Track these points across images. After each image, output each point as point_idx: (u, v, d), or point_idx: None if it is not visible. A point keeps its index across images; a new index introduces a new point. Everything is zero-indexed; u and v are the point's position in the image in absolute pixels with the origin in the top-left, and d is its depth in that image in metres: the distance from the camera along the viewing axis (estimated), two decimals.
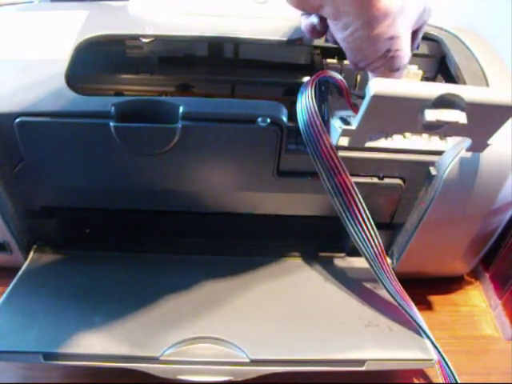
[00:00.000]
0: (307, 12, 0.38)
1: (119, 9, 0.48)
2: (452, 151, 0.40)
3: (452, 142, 0.41)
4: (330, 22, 0.34)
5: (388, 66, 0.35)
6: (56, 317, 0.41)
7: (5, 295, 0.42)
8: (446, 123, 0.34)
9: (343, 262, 0.49)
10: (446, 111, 0.34)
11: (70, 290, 0.44)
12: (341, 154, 0.38)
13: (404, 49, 0.34)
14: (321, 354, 0.39)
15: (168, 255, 0.48)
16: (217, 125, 0.39)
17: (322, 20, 0.37)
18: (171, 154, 0.40)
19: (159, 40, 0.48)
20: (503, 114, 0.34)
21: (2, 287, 0.44)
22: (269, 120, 0.39)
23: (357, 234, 0.39)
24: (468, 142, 0.38)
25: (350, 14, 0.32)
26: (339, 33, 0.34)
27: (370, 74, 0.36)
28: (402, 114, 0.35)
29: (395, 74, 0.36)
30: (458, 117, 0.34)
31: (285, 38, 0.45)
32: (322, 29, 0.37)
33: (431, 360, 0.40)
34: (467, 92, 0.33)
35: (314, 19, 0.37)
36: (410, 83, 0.34)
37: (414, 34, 0.37)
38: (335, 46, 0.38)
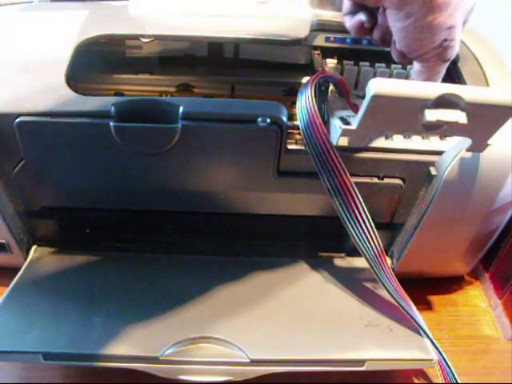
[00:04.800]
0: (352, 11, 0.38)
1: (119, 9, 0.48)
2: (452, 151, 0.40)
3: (452, 141, 0.41)
4: (390, 12, 0.34)
5: (441, 56, 0.35)
6: (56, 317, 0.41)
7: (5, 295, 0.42)
8: (446, 123, 0.34)
9: (343, 262, 0.49)
10: (446, 111, 0.34)
11: (70, 289, 0.44)
12: (341, 153, 0.38)
13: (458, 39, 0.35)
14: (321, 354, 0.39)
15: (168, 255, 0.48)
16: (217, 125, 0.39)
17: (371, 16, 0.38)
18: (171, 154, 0.40)
19: (159, 40, 0.48)
20: (503, 114, 0.34)
21: (2, 287, 0.44)
22: (269, 120, 0.39)
23: (356, 235, 0.39)
24: (468, 142, 0.38)
25: (415, 2, 0.32)
26: (400, 22, 0.34)
27: (418, 65, 0.37)
28: (402, 113, 0.35)
29: (444, 65, 0.36)
30: (458, 117, 0.34)
31: (285, 38, 0.45)
32: (369, 25, 0.38)
33: (431, 360, 0.40)
34: (467, 92, 0.33)
35: (362, 16, 0.38)
36: (410, 83, 0.34)
37: None
38: (369, 48, 0.39)
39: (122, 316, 0.41)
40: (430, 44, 0.34)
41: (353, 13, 0.39)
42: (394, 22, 0.35)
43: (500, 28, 0.56)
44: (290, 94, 0.51)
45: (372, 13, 0.38)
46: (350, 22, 0.39)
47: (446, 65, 0.37)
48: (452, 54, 0.36)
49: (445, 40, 0.34)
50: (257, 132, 0.40)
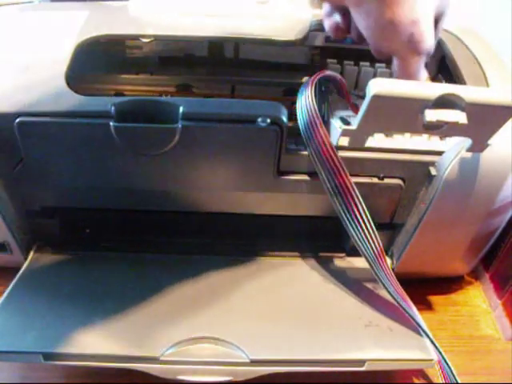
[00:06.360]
0: (329, 13, 0.39)
1: (119, 9, 0.48)
2: (452, 151, 0.40)
3: (452, 141, 0.41)
4: (354, 12, 0.34)
5: (415, 50, 0.35)
6: (56, 317, 0.41)
7: (5, 295, 0.42)
8: (446, 123, 0.34)
9: (343, 261, 0.49)
10: (446, 111, 0.34)
11: (70, 289, 0.44)
12: (341, 154, 0.39)
13: (428, 31, 0.34)
14: (321, 354, 0.39)
15: (168, 255, 0.48)
16: (217, 125, 0.39)
17: (345, 17, 0.38)
18: (171, 154, 0.40)
19: (159, 40, 0.48)
20: (503, 114, 0.34)
21: (2, 287, 0.44)
22: (269, 120, 0.39)
23: (356, 235, 0.39)
24: (468, 142, 0.38)
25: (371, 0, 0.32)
26: (363, 21, 0.34)
27: (396, 61, 0.36)
28: (403, 114, 0.35)
29: (421, 60, 0.35)
30: (458, 117, 0.34)
31: (285, 38, 0.45)
32: (344, 26, 0.38)
33: (431, 360, 0.40)
34: (467, 92, 0.33)
35: (337, 17, 0.38)
36: (410, 83, 0.34)
37: (435, 24, 0.36)
38: (353, 46, 0.39)
39: (121, 316, 0.41)
40: (397, 40, 0.34)
41: (330, 14, 0.39)
42: (358, 21, 0.34)
43: (500, 28, 0.56)
44: (290, 94, 0.51)
45: (346, 14, 0.37)
46: (327, 24, 0.39)
47: (424, 59, 0.36)
48: (426, 48, 0.35)
49: (412, 34, 0.33)
50: (257, 132, 0.40)
